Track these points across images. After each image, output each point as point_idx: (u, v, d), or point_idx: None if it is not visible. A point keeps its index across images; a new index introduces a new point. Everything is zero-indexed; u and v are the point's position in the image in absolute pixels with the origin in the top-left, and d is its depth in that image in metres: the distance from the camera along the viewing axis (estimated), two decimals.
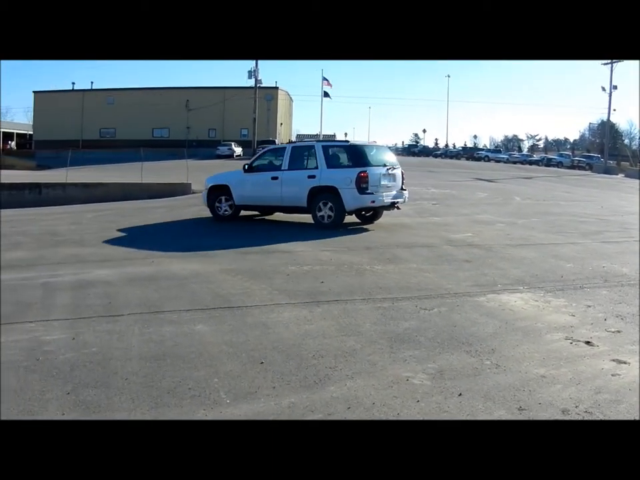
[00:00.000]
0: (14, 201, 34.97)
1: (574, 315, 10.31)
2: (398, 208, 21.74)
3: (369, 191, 20.06)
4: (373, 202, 20.36)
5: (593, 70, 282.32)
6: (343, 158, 21.13)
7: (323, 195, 20.57)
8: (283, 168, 21.50)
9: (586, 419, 6.51)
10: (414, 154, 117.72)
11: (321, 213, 20.63)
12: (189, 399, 7.08)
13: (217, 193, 22.68)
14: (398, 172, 21.45)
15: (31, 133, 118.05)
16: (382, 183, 20.52)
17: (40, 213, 28.25)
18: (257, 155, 23.42)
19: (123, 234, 20.04)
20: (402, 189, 21.46)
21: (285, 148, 22.35)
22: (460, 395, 7.06)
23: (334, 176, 20.50)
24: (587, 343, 8.93)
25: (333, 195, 20.38)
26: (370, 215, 22.09)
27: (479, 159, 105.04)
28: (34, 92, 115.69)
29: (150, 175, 41.74)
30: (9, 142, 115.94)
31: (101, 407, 6.91)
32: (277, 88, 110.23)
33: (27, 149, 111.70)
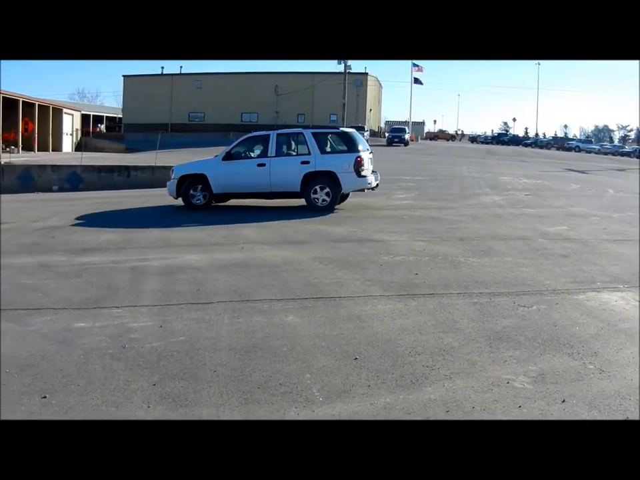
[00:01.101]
0: (103, 183, 35.41)
1: None
2: (374, 189, 23.32)
3: (363, 174, 21.81)
4: (370, 184, 22.35)
5: None
6: (335, 144, 22.81)
7: (319, 179, 21.66)
8: (270, 155, 21.89)
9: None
10: (503, 143, 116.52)
11: (315, 196, 21.67)
12: (279, 396, 6.91)
13: (190, 182, 22.30)
14: (371, 156, 23.19)
15: (121, 116, 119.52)
16: (369, 166, 22.36)
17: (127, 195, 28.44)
18: (235, 143, 23.07)
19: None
20: (373, 171, 22.96)
21: (268, 135, 22.43)
22: (563, 401, 6.75)
23: (330, 161, 21.81)
24: None
25: (330, 179, 21.63)
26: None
27: (569, 149, 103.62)
28: (123, 76, 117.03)
29: None
30: (99, 125, 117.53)
31: (187, 401, 6.80)
32: (366, 74, 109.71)
33: (116, 132, 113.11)
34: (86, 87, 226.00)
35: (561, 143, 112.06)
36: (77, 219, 20.44)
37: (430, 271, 12.37)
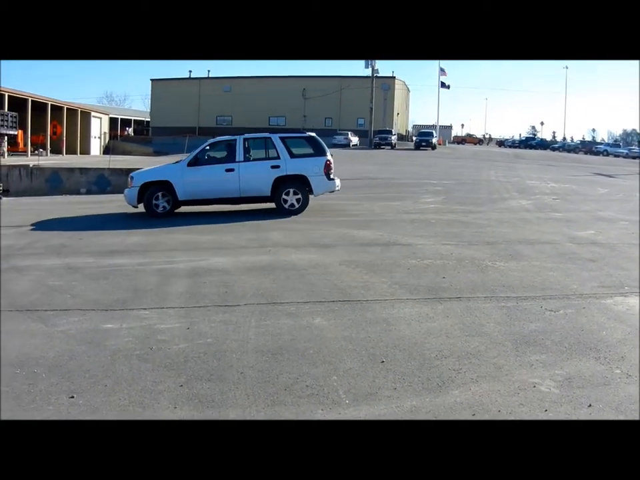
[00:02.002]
0: None
1: None
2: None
3: (332, 177, 22.22)
4: (337, 187, 22.70)
5: None
6: (304, 148, 22.72)
7: (290, 183, 21.78)
8: (237, 160, 21.68)
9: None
10: (531, 147, 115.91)
11: (286, 200, 21.72)
12: (306, 398, 6.93)
13: (153, 189, 21.63)
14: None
15: (148, 119, 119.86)
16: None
17: None
18: (199, 148, 22.50)
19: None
20: None
21: (235, 140, 22.22)
22: (590, 405, 6.73)
23: (301, 165, 21.98)
24: None
25: (301, 183, 21.86)
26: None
27: (597, 153, 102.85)
28: (151, 80, 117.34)
29: None
30: (127, 128, 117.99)
31: (214, 402, 6.83)
32: (393, 77, 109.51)
33: (144, 135, 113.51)
34: (114, 90, 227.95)
35: (588, 147, 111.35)
36: (104, 221, 20.54)
37: (457, 275, 12.35)
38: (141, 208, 21.64)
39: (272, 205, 21.91)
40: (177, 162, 23.14)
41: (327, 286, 11.52)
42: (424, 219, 20.85)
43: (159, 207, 21.65)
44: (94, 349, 8.38)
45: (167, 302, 10.63)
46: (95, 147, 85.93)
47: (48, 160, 53.41)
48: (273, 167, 21.75)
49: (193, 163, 21.78)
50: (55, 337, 8.87)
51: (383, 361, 7.91)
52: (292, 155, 22.02)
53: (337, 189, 22.77)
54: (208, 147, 22.49)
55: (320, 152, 22.33)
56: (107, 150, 78.56)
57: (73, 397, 6.91)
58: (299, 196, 21.81)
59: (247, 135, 22.78)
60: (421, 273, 12.53)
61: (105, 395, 6.99)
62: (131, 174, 23.09)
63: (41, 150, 64.18)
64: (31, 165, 39.97)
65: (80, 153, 76.95)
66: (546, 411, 6.58)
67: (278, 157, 21.82)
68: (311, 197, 22.04)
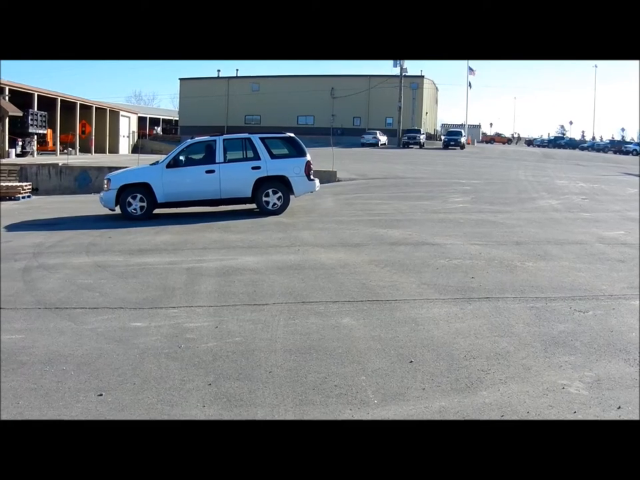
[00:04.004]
0: None
1: None
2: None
3: (312, 178, 22.52)
4: (317, 187, 23.09)
5: None
6: (284, 149, 23.04)
7: (270, 183, 21.89)
8: (217, 161, 21.63)
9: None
10: (560, 146, 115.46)
11: (267, 200, 21.86)
12: (334, 397, 6.93)
13: (130, 191, 21.38)
14: None
15: (177, 119, 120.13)
16: None
17: None
18: (177, 150, 22.42)
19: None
20: None
21: (214, 140, 22.18)
22: (619, 407, 6.68)
23: (282, 166, 22.09)
24: None
25: (282, 184, 21.99)
26: None
27: (626, 153, 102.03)
28: (180, 79, 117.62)
29: None
30: (155, 127, 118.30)
31: (243, 401, 6.85)
32: (422, 77, 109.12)
33: (172, 134, 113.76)
34: (143, 89, 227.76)
35: (618, 147, 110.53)
36: (133, 219, 20.60)
37: (486, 275, 12.30)
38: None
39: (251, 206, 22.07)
40: (154, 163, 23.02)
41: (356, 285, 11.51)
42: (453, 218, 20.79)
43: (138, 209, 21.39)
44: (122, 347, 8.42)
45: (195, 301, 10.66)
46: (124, 145, 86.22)
47: (77, 159, 53.59)
48: (253, 167, 21.83)
49: (172, 164, 21.64)
50: (83, 335, 8.92)
51: (411, 361, 7.90)
52: (272, 156, 22.13)
53: (316, 189, 23.13)
54: (186, 148, 22.38)
55: (300, 153, 22.59)
56: (135, 149, 78.81)
57: (101, 395, 6.95)
58: (280, 195, 21.96)
59: (226, 136, 22.92)
60: (449, 272, 12.50)
61: (133, 393, 7.02)
62: (106, 176, 22.92)
63: (70, 149, 64.46)
64: (60, 164, 40.12)
65: (109, 152, 77.24)
66: (575, 412, 6.54)
67: (258, 158, 21.89)
68: (334, 196, 22.10)
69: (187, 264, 13.45)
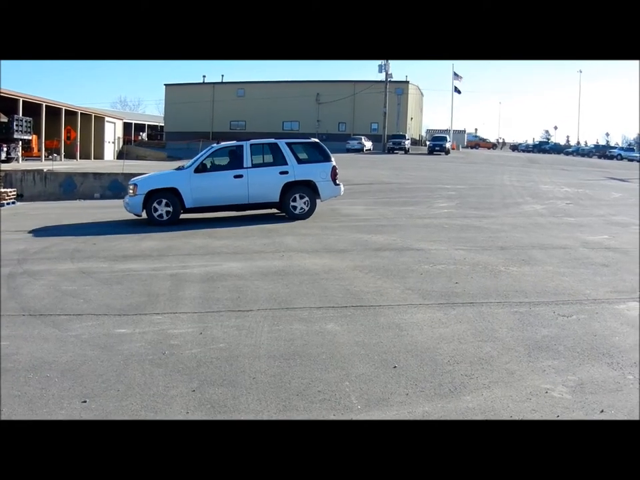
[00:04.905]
0: None
1: None
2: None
3: (338, 183, 22.76)
4: (342, 192, 23.32)
5: None
6: (309, 154, 23.13)
7: (298, 188, 22.16)
8: (245, 166, 21.68)
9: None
10: (545, 151, 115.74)
11: (295, 205, 22.13)
12: (318, 403, 6.94)
13: (157, 196, 21.29)
14: None
15: (162, 124, 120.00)
16: None
17: None
18: (205, 154, 22.29)
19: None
20: None
21: (242, 146, 22.21)
22: (602, 411, 6.71)
23: (309, 170, 22.32)
24: None
25: (309, 188, 22.28)
26: None
27: (611, 158, 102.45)
28: (165, 85, 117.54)
29: None
30: (141, 133, 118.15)
31: (226, 407, 6.85)
32: (407, 82, 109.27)
33: (157, 140, 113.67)
34: (128, 95, 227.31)
35: (602, 151, 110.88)
36: (117, 226, 20.58)
37: (470, 280, 12.33)
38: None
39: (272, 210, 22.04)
40: (178, 168, 23.04)
41: (340, 291, 11.53)
42: (437, 223, 20.85)
43: (165, 214, 21.27)
44: (107, 354, 8.41)
45: (180, 307, 10.66)
46: (109, 151, 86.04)
47: (62, 165, 53.53)
48: (281, 172, 21.91)
49: (200, 169, 21.62)
50: (67, 342, 8.90)
51: (395, 367, 7.91)
52: (299, 161, 22.28)
53: (341, 193, 23.31)
54: (214, 153, 22.33)
55: (325, 158, 22.81)
56: (120, 155, 78.72)
57: (85, 402, 6.94)
58: (307, 200, 22.17)
59: (253, 141, 22.78)
60: (433, 278, 12.53)
61: (117, 399, 7.01)
62: (132, 181, 22.60)
63: (55, 155, 64.34)
64: (45, 170, 40.10)
65: (94, 158, 77.09)
66: (558, 416, 6.56)
67: (285, 163, 22.00)
68: (319, 202, 22.17)
69: (172, 270, 13.44)
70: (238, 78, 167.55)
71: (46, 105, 66.84)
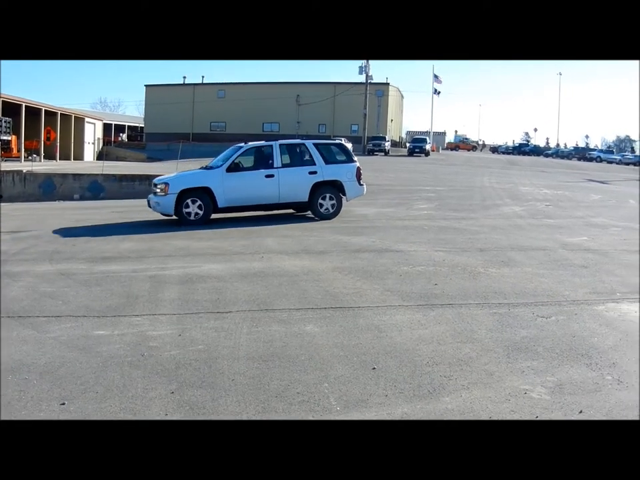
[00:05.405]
0: (124, 192, 35.64)
1: None
2: None
3: (362, 183, 23.22)
4: (364, 192, 23.81)
5: None
6: (335, 154, 23.50)
7: (325, 188, 22.50)
8: (276, 166, 21.88)
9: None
10: (525, 153, 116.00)
11: (322, 204, 22.49)
12: (297, 405, 6.92)
13: (189, 195, 21.20)
14: None
15: (142, 125, 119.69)
16: None
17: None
18: (237, 153, 22.16)
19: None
20: None
21: (271, 145, 22.43)
22: (580, 412, 6.73)
23: (336, 171, 22.71)
24: None
25: (335, 188, 22.66)
26: None
27: (590, 160, 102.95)
28: (145, 85, 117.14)
29: None
30: (121, 134, 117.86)
31: (205, 409, 6.83)
32: (387, 84, 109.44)
33: (137, 141, 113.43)
34: (108, 96, 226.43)
35: (582, 153, 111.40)
36: (97, 227, 20.52)
37: (449, 282, 12.36)
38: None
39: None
40: (204, 167, 23.13)
41: (319, 292, 11.52)
42: (417, 225, 20.90)
43: (192, 214, 21.16)
44: (85, 356, 8.37)
45: (159, 309, 10.63)
46: (89, 152, 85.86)
47: (41, 165, 53.27)
48: (310, 172, 22.25)
49: (233, 168, 21.61)
50: (46, 344, 8.85)
51: (374, 368, 7.91)
52: (326, 161, 22.56)
53: (364, 193, 23.80)
54: (244, 153, 22.24)
55: (350, 158, 23.40)
56: (100, 156, 78.52)
57: (64, 404, 6.90)
58: (334, 201, 22.57)
59: (281, 141, 23.02)
60: (413, 279, 12.54)
61: (96, 401, 6.98)
62: (160, 180, 22.33)
63: (35, 155, 64.02)
64: (24, 171, 39.93)
65: (73, 159, 76.85)
66: (537, 417, 6.58)
67: (313, 163, 22.36)
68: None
69: (151, 271, 13.40)
70: (218, 79, 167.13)
71: (26, 105, 66.62)
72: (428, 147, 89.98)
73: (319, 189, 22.33)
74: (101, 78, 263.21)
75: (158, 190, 21.49)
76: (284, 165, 22.05)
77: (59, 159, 71.23)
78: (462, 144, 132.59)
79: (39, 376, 7.70)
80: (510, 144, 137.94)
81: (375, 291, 11.63)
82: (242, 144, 23.04)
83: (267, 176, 21.68)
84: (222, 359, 8.25)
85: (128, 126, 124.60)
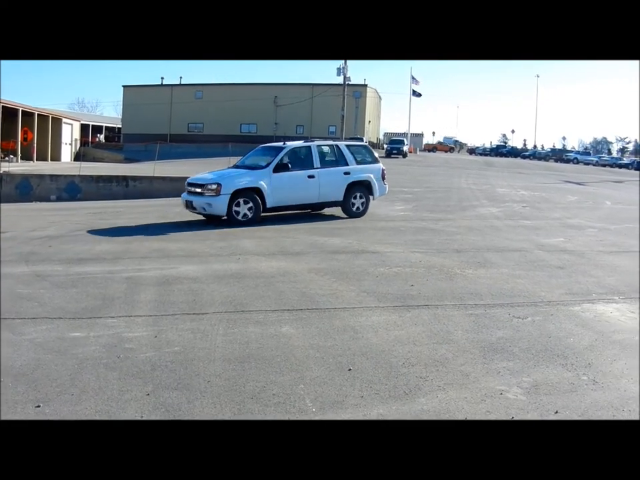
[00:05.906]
0: (102, 193, 35.51)
1: None
2: None
3: (385, 183, 24.45)
4: (387, 190, 25.01)
5: None
6: (363, 155, 24.50)
7: (357, 188, 23.50)
8: (315, 166, 22.44)
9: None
10: (502, 154, 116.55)
11: (354, 203, 23.51)
12: (273, 406, 6.92)
13: (240, 196, 21.22)
14: None
15: (120, 126, 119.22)
16: None
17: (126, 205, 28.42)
18: (281, 154, 22.12)
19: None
20: None
21: (309, 147, 23.03)
22: (556, 412, 6.76)
23: (365, 171, 23.75)
24: None
25: (365, 188, 23.72)
26: None
27: (567, 161, 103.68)
28: (123, 86, 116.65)
29: None
30: (98, 135, 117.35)
31: (181, 411, 6.81)
32: (365, 85, 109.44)
33: (115, 142, 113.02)
34: (85, 96, 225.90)
35: (559, 155, 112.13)
36: (75, 229, 20.42)
37: (425, 283, 12.39)
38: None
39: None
40: (233, 166, 23.78)
41: (296, 294, 11.52)
42: (394, 226, 20.96)
43: (243, 214, 21.15)
44: (61, 358, 8.33)
45: (135, 310, 10.59)
46: (66, 153, 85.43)
47: (18, 166, 53.03)
48: (345, 173, 23.13)
49: (278, 168, 21.75)
50: (22, 346, 8.80)
51: (350, 369, 7.92)
52: (357, 162, 23.61)
53: (386, 192, 25.05)
54: (287, 153, 22.29)
55: (374, 159, 24.66)
56: (77, 156, 78.19)
57: (39, 407, 6.86)
58: (364, 200, 23.70)
59: (317, 142, 23.69)
60: (389, 280, 12.57)
61: (72, 404, 6.95)
62: (208, 180, 21.91)
63: (12, 156, 63.68)
64: (0, 172, 39.70)
65: (51, 160, 76.43)
66: (513, 418, 6.60)
67: (346, 164, 23.31)
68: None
69: (127, 273, 13.34)
70: (196, 80, 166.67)
71: (2, 106, 66.19)
72: (405, 148, 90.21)
73: (352, 188, 23.25)
74: (79, 78, 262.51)
75: (210, 191, 21.22)
76: (322, 166, 22.72)
77: (36, 160, 70.82)
78: (439, 145, 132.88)
79: (14, 378, 7.65)
80: (487, 145, 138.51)
81: (351, 292, 11.64)
82: (280, 143, 23.98)
83: (309, 176, 22.21)
84: (198, 360, 8.23)
85: (105, 127, 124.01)
